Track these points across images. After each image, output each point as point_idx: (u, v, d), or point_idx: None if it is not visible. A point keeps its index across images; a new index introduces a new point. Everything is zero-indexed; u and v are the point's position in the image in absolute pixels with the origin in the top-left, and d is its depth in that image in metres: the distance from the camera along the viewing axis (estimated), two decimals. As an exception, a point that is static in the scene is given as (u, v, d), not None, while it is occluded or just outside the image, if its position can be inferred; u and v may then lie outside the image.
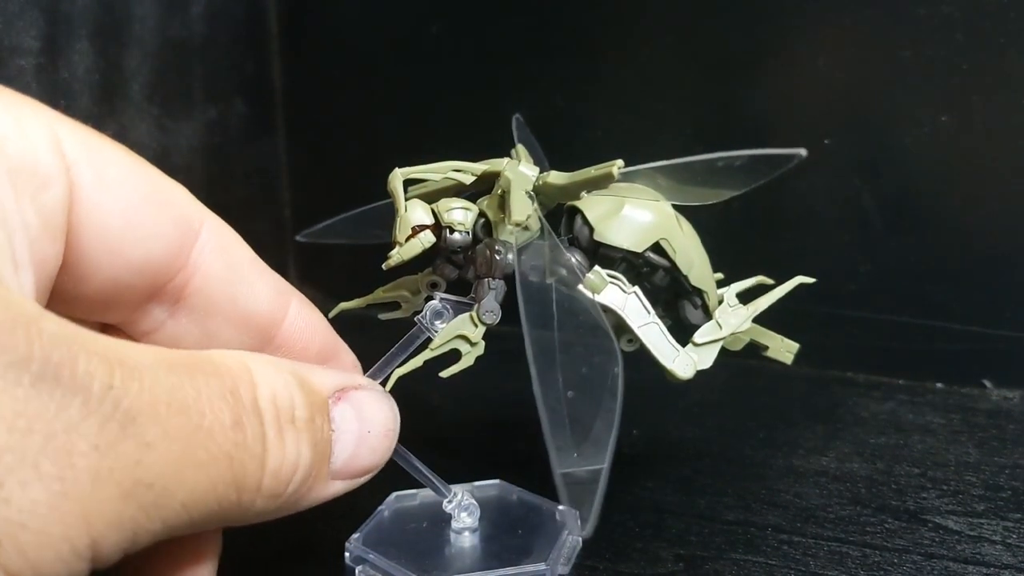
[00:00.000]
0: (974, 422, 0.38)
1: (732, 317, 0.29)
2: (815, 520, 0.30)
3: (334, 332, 0.26)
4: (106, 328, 0.24)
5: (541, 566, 0.25)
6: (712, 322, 0.28)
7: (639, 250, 0.27)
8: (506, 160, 0.28)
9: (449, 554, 0.27)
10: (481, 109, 0.49)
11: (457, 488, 0.28)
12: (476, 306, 0.26)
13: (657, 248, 0.27)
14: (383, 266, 0.26)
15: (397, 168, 0.26)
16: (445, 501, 0.27)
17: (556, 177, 0.27)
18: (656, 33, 0.46)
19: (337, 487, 0.22)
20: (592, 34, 0.47)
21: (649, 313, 0.26)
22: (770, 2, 0.43)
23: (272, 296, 0.25)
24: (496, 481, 0.30)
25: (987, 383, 0.42)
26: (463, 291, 0.27)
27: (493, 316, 0.26)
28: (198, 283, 0.24)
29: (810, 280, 0.29)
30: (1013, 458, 0.34)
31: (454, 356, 0.27)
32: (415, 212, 0.26)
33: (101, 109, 0.45)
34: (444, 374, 0.26)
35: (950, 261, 0.42)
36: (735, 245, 0.44)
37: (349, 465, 0.22)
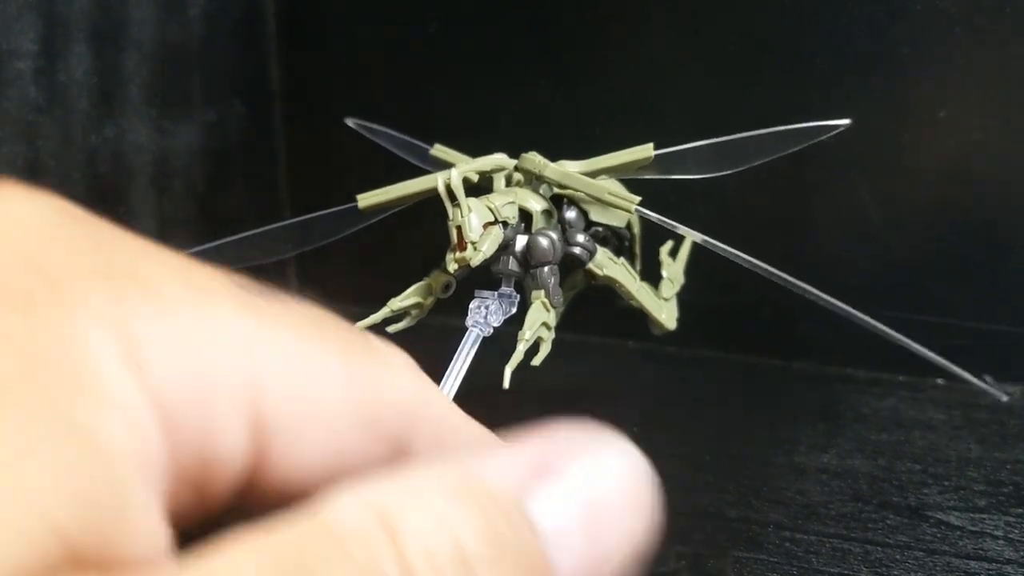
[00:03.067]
0: (975, 418, 0.38)
1: (673, 273, 0.34)
2: (817, 517, 0.30)
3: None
4: None
5: None
6: (666, 279, 0.33)
7: (623, 226, 0.31)
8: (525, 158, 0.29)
9: None
10: (481, 109, 0.49)
11: None
12: (542, 292, 0.27)
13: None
14: (453, 270, 0.26)
15: (454, 169, 0.26)
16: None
17: (577, 165, 0.28)
18: (656, 32, 0.46)
19: None
20: (592, 33, 0.47)
21: (636, 279, 0.30)
22: (770, 1, 0.43)
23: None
24: None
25: (988, 379, 0.42)
26: (468, 287, 0.28)
27: (560, 299, 0.28)
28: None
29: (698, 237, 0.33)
30: (1014, 453, 0.34)
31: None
32: (480, 210, 0.26)
33: (100, 112, 0.45)
34: (534, 362, 0.27)
35: (950, 257, 0.42)
36: (735, 244, 0.44)
37: (592, 570, 0.13)
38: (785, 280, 0.30)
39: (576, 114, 0.47)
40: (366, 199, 0.28)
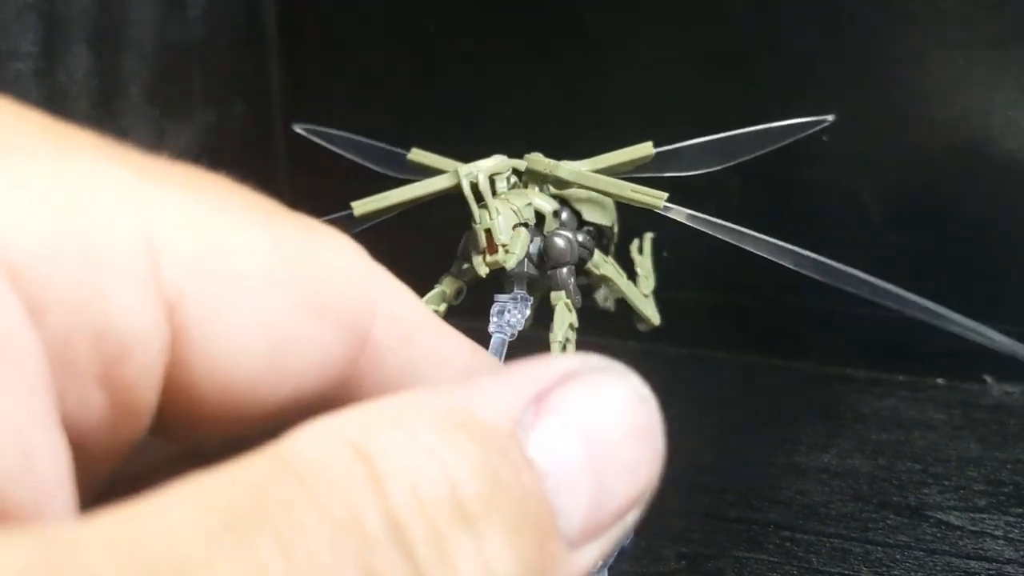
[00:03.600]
0: (975, 417, 0.38)
1: (646, 269, 0.34)
2: (817, 517, 0.30)
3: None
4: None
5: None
6: (641, 276, 0.33)
7: (610, 224, 0.31)
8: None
9: None
10: (480, 109, 0.49)
11: None
12: (563, 293, 0.27)
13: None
14: (484, 274, 0.26)
15: (480, 171, 0.26)
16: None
17: (580, 164, 0.28)
18: (655, 31, 0.46)
19: (589, 555, 0.12)
20: (591, 33, 0.47)
21: (623, 276, 0.31)
22: (769, 1, 0.43)
23: (465, 372, 0.15)
24: None
25: (988, 378, 0.42)
26: (478, 291, 0.27)
27: (579, 299, 0.27)
28: (370, 387, 0.14)
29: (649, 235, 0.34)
30: (1015, 453, 0.34)
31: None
32: (507, 212, 0.26)
33: (100, 112, 0.45)
34: None
35: (950, 256, 0.42)
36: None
37: (595, 513, 0.12)
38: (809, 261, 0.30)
39: (576, 114, 0.47)
40: (362, 206, 0.27)
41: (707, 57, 0.45)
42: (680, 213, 0.28)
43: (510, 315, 0.26)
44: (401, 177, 0.31)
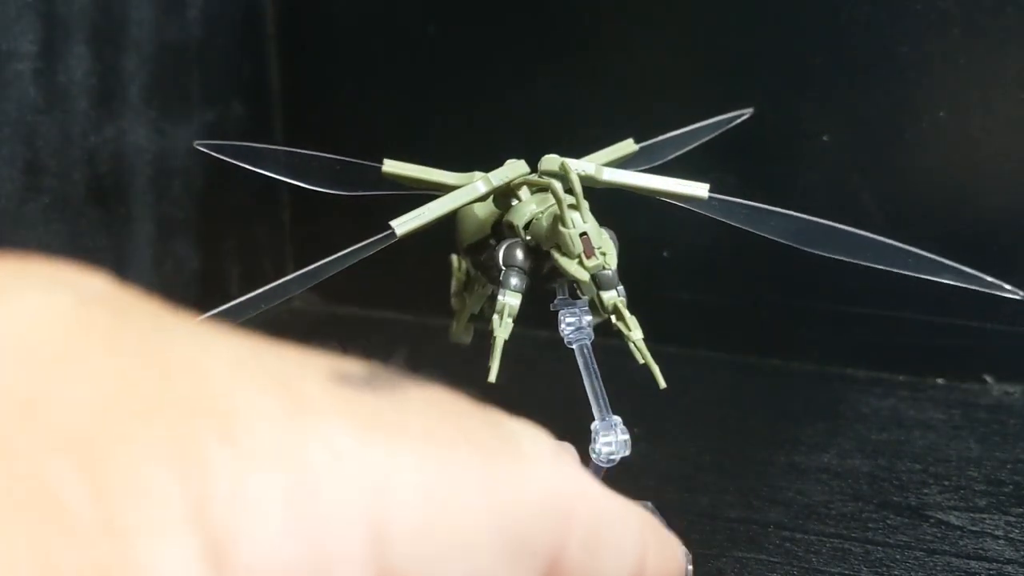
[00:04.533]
0: (975, 417, 0.38)
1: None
2: (817, 517, 0.30)
3: None
4: None
5: None
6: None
7: None
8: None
9: None
10: (480, 109, 0.49)
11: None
12: (614, 292, 0.26)
13: None
14: (584, 278, 0.25)
15: (571, 172, 0.25)
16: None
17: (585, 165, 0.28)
18: (654, 31, 0.46)
19: None
20: (590, 33, 0.47)
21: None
22: (770, 1, 0.43)
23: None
24: None
25: (988, 378, 0.42)
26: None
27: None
28: None
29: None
30: (1015, 453, 0.34)
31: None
32: (589, 215, 0.25)
33: (99, 113, 0.45)
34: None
35: (949, 256, 0.42)
36: (734, 241, 0.44)
37: None
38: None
39: (575, 114, 0.47)
40: (403, 226, 0.26)
41: (710, 58, 0.45)
42: (721, 201, 0.28)
43: (583, 320, 0.26)
44: (321, 189, 0.30)
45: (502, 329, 0.25)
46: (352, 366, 0.12)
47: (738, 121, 0.34)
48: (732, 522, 0.29)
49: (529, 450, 0.13)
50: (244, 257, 0.57)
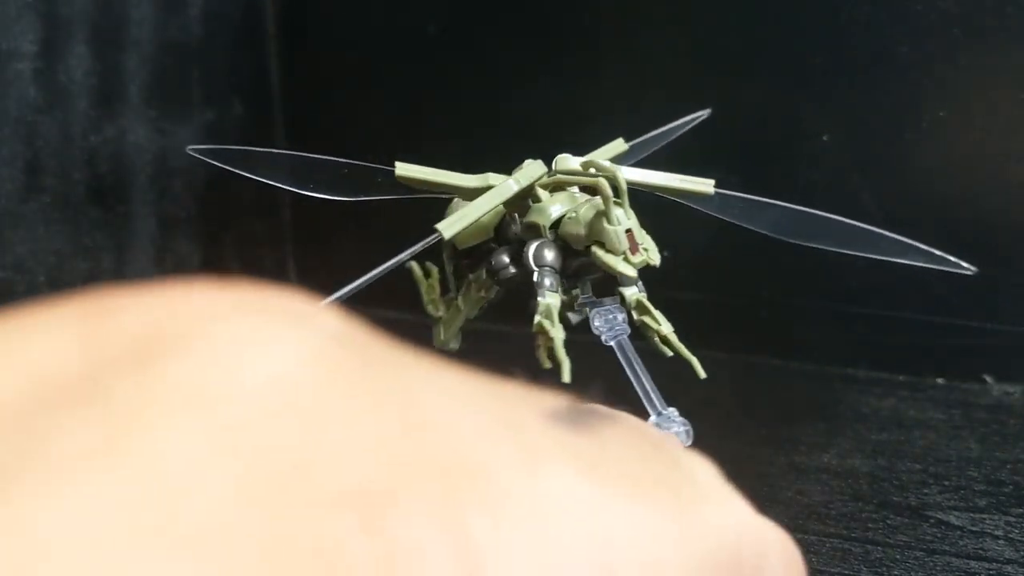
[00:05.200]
0: (975, 417, 0.38)
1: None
2: (817, 517, 0.30)
3: None
4: None
5: None
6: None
7: None
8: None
9: None
10: (479, 108, 0.49)
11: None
12: (635, 288, 0.27)
13: None
14: (632, 274, 0.25)
15: (617, 172, 0.25)
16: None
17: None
18: (653, 30, 0.46)
19: None
20: (590, 33, 0.47)
21: None
22: (770, 1, 0.43)
23: None
24: None
25: (988, 378, 0.42)
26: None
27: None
28: None
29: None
30: (1015, 453, 0.34)
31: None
32: (631, 212, 0.25)
33: (99, 112, 0.45)
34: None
35: (950, 256, 0.42)
36: (734, 241, 0.44)
37: None
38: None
39: (575, 114, 0.47)
40: (449, 228, 0.25)
41: (709, 58, 0.45)
42: (729, 197, 0.29)
43: (617, 316, 0.26)
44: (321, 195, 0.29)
45: (556, 330, 0.25)
46: (555, 400, 0.12)
47: (696, 122, 0.34)
48: (732, 522, 0.29)
49: (704, 484, 0.14)
50: (244, 256, 0.57)
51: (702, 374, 0.26)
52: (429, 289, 0.31)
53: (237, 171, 0.29)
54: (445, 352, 0.31)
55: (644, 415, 0.25)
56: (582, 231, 0.25)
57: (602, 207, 0.24)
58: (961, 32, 0.40)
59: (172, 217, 0.52)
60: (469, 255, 0.29)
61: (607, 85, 0.47)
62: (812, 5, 0.42)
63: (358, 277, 0.31)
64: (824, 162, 0.43)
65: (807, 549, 0.28)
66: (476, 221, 0.26)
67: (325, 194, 0.28)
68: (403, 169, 0.26)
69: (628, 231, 0.24)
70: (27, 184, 0.42)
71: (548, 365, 0.25)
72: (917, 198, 0.42)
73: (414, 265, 0.31)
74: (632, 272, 0.25)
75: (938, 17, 0.40)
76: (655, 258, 0.25)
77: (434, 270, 0.31)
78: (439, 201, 0.29)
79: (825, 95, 0.43)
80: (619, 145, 0.30)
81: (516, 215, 0.27)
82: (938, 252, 0.30)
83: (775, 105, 0.44)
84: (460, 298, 0.29)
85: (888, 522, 0.29)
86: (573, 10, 0.47)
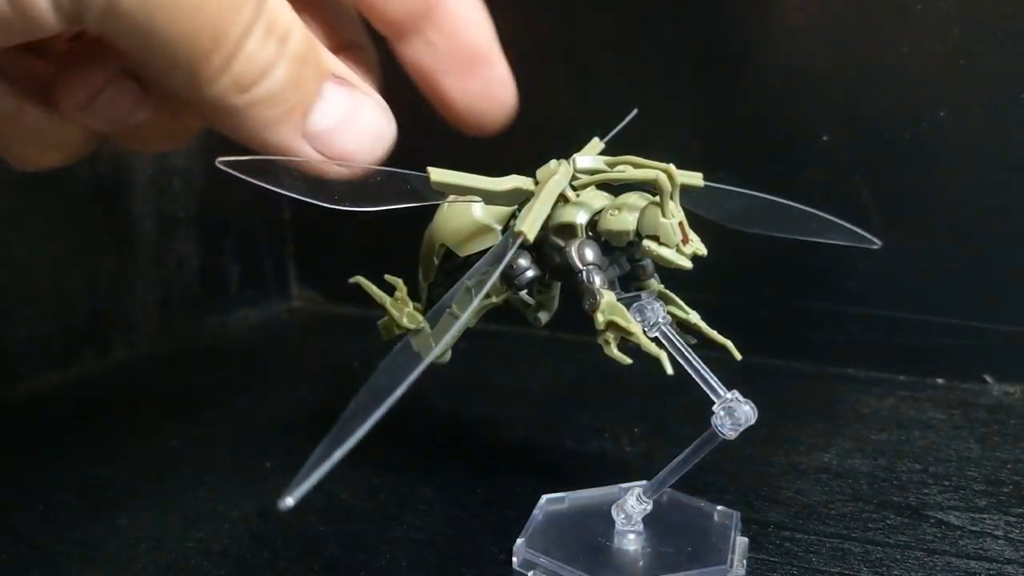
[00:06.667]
0: (975, 417, 0.38)
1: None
2: (817, 517, 0.30)
3: (493, 38, 0.28)
4: None
5: (724, 567, 0.25)
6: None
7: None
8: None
9: (620, 555, 0.27)
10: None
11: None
12: (654, 279, 0.28)
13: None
14: (688, 266, 0.25)
15: (670, 165, 0.25)
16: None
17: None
18: (653, 31, 0.46)
19: (307, 150, 0.23)
20: (590, 32, 0.47)
21: None
22: (769, 1, 0.43)
23: None
24: (640, 483, 0.29)
25: (988, 378, 0.42)
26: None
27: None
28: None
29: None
30: (1015, 453, 0.34)
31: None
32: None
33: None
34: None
35: (949, 256, 0.42)
36: (734, 241, 0.44)
37: (326, 136, 0.23)
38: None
39: (575, 114, 0.47)
40: (530, 229, 0.25)
41: (709, 58, 0.45)
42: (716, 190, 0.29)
43: (655, 306, 0.27)
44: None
45: (633, 324, 0.25)
46: None
47: (627, 120, 0.35)
48: (732, 522, 0.29)
49: None
50: (244, 256, 0.57)
51: (738, 356, 0.27)
52: (398, 303, 0.30)
53: (261, 183, 0.28)
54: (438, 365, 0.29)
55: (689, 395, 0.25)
56: (630, 227, 0.25)
57: (656, 201, 0.25)
58: (961, 32, 0.40)
59: (172, 216, 0.52)
60: (466, 263, 0.29)
61: (607, 85, 0.47)
62: (812, 5, 0.42)
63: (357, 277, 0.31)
64: (824, 162, 0.43)
65: (807, 549, 0.28)
66: (545, 217, 0.26)
67: (349, 206, 0.27)
68: (437, 175, 0.26)
69: (680, 223, 0.25)
70: (27, 184, 0.42)
71: (627, 361, 0.25)
72: (917, 198, 0.42)
73: (361, 280, 0.30)
74: (688, 264, 0.25)
75: (938, 17, 0.40)
76: (703, 248, 0.25)
77: (399, 282, 0.30)
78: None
79: (825, 95, 0.43)
80: (596, 145, 0.30)
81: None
82: (852, 227, 0.32)
83: (775, 105, 0.44)
84: (456, 307, 0.28)
85: (888, 522, 0.29)
86: (573, 10, 0.47)
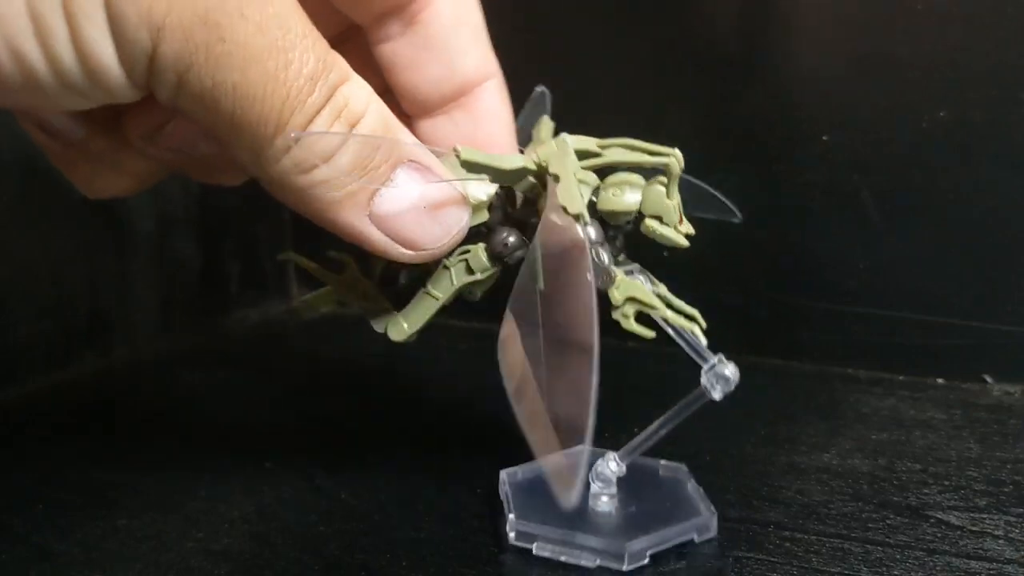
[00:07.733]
0: (975, 417, 0.38)
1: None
2: (817, 517, 0.30)
3: (513, 132, 0.28)
4: (346, 32, 0.26)
5: (708, 515, 0.28)
6: None
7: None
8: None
9: (603, 517, 0.28)
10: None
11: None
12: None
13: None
14: (685, 244, 0.26)
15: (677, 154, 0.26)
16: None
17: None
18: (652, 30, 0.46)
19: (372, 231, 0.23)
20: (589, 33, 0.47)
21: None
22: (769, 1, 0.43)
23: (477, 63, 0.27)
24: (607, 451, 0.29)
25: (988, 378, 0.42)
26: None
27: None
28: (429, 16, 0.26)
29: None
30: (1015, 453, 0.34)
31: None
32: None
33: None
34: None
35: (949, 256, 0.42)
36: (734, 241, 0.45)
37: (390, 221, 0.23)
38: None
39: (575, 114, 0.47)
40: (575, 207, 0.25)
41: (708, 57, 0.45)
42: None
43: (645, 281, 0.27)
44: None
45: (653, 298, 0.26)
46: None
47: (532, 99, 0.37)
48: (731, 522, 0.29)
49: None
50: (244, 256, 0.57)
51: (703, 324, 0.27)
52: (348, 280, 0.30)
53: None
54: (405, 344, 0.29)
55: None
56: (633, 207, 0.26)
57: (660, 180, 0.26)
58: (961, 32, 0.40)
59: (172, 217, 0.52)
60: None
61: (607, 85, 0.47)
62: (812, 5, 0.42)
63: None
64: (824, 162, 0.43)
65: (807, 549, 0.28)
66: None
67: None
68: (467, 153, 0.26)
69: (677, 204, 0.26)
70: (27, 184, 0.42)
71: (651, 334, 0.26)
72: (917, 198, 0.42)
73: (295, 256, 0.30)
74: (686, 242, 0.26)
75: (938, 17, 0.40)
76: (692, 228, 0.27)
77: (350, 259, 0.29)
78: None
79: (825, 95, 0.43)
80: (549, 122, 0.33)
81: (521, 193, 0.28)
82: (717, 194, 0.33)
83: (775, 105, 0.44)
84: (432, 286, 0.28)
85: (888, 522, 0.29)
86: (572, 9, 0.47)
